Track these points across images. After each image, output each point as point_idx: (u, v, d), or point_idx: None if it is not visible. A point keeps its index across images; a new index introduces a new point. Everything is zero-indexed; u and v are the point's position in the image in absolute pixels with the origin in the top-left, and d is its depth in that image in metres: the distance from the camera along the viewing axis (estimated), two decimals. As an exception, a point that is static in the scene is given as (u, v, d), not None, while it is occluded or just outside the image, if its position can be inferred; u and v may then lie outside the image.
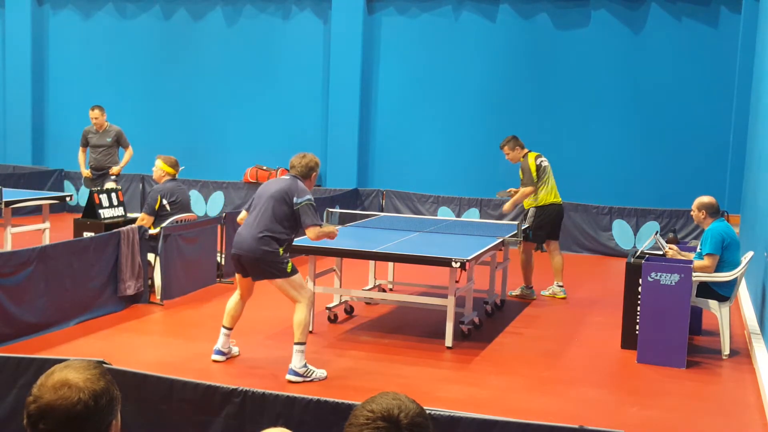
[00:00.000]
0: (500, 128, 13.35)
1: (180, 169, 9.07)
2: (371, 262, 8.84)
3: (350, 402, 3.74)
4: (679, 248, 7.78)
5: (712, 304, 7.24)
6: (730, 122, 12.57)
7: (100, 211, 8.82)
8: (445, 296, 7.40)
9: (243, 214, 6.50)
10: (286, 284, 6.25)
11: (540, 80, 13.47)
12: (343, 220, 9.92)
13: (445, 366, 6.78)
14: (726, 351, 7.19)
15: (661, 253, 7.69)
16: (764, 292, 7.46)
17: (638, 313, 7.03)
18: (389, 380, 6.27)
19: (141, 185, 14.40)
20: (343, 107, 14.10)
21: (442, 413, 3.61)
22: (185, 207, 8.99)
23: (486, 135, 13.37)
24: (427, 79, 13.97)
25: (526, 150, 9.40)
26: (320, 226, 6.30)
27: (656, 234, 8.05)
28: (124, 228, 8.07)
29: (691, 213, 7.63)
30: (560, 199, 9.46)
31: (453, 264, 6.83)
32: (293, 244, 6.58)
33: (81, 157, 11.27)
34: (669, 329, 6.81)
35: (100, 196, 8.89)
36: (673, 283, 6.79)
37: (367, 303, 8.63)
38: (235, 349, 6.76)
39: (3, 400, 4.21)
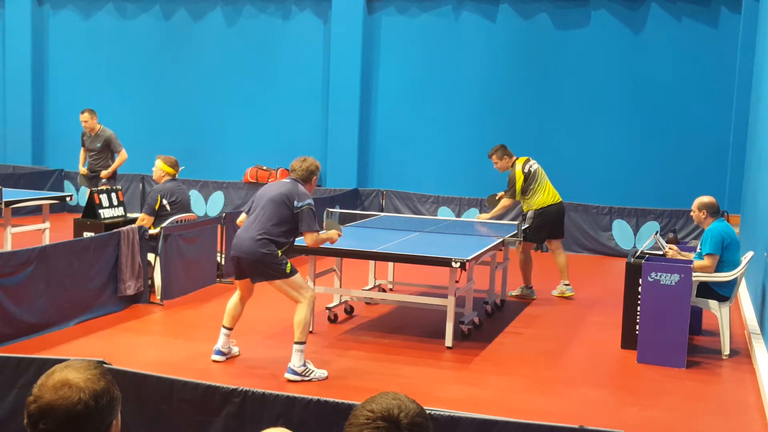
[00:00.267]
0: (500, 128, 13.38)
1: (180, 169, 9.07)
2: (371, 262, 8.84)
3: (350, 402, 3.74)
4: (679, 248, 7.78)
5: (712, 304, 7.24)
6: (730, 122, 12.56)
7: (100, 211, 8.82)
8: (445, 296, 7.40)
9: (242, 216, 6.51)
10: (285, 285, 6.25)
11: (540, 80, 13.46)
12: (343, 220, 9.91)
13: (445, 366, 6.78)
14: (726, 351, 7.19)
15: (661, 253, 7.69)
16: (764, 292, 7.46)
17: (638, 313, 7.03)
18: (389, 380, 6.27)
19: (141, 185, 14.40)
20: (343, 107, 14.09)
21: (442, 413, 3.61)
22: (185, 207, 8.99)
23: (486, 135, 13.36)
24: (427, 79, 13.96)
25: (514, 158, 9.31)
26: (317, 231, 6.31)
27: (656, 234, 8.05)
28: (124, 228, 8.07)
29: (691, 213, 7.63)
30: (559, 197, 9.40)
31: (453, 264, 6.83)
32: (295, 244, 6.58)
33: (81, 155, 11.29)
34: (669, 329, 6.81)
35: (100, 196, 8.90)
36: (673, 283, 6.79)
37: (367, 303, 8.63)
38: (235, 349, 6.76)
39: (3, 400, 4.21)
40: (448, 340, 7.18)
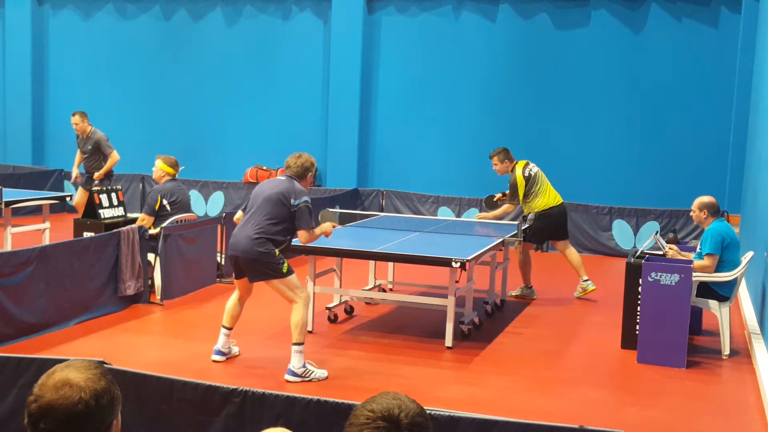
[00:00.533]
0: (500, 128, 13.39)
1: (180, 169, 9.07)
2: (371, 262, 8.84)
3: (350, 402, 3.74)
4: (679, 248, 7.78)
5: (712, 304, 7.24)
6: (730, 122, 12.57)
7: (100, 211, 8.82)
8: (445, 296, 7.40)
9: (239, 214, 6.50)
10: (281, 285, 6.24)
11: (540, 80, 13.46)
12: (343, 220, 9.91)
13: (445, 366, 6.78)
14: (726, 351, 7.19)
15: (661, 253, 7.68)
16: (764, 292, 7.46)
17: (638, 313, 7.03)
18: (389, 380, 6.27)
19: (141, 185, 14.41)
20: (343, 107, 14.09)
21: (442, 413, 3.61)
22: (185, 207, 8.99)
23: (486, 135, 13.37)
24: (427, 79, 13.96)
25: (515, 162, 9.28)
26: (313, 229, 6.30)
27: (656, 234, 8.05)
28: (124, 228, 8.08)
29: (691, 213, 7.62)
30: (561, 199, 9.37)
31: (453, 264, 6.83)
32: (293, 244, 6.58)
33: (77, 157, 11.31)
34: (669, 329, 6.81)
35: (100, 196, 8.90)
36: (673, 283, 6.79)
37: (367, 303, 8.63)
38: (235, 349, 6.75)
39: (3, 400, 4.21)
40: (448, 340, 7.18)
